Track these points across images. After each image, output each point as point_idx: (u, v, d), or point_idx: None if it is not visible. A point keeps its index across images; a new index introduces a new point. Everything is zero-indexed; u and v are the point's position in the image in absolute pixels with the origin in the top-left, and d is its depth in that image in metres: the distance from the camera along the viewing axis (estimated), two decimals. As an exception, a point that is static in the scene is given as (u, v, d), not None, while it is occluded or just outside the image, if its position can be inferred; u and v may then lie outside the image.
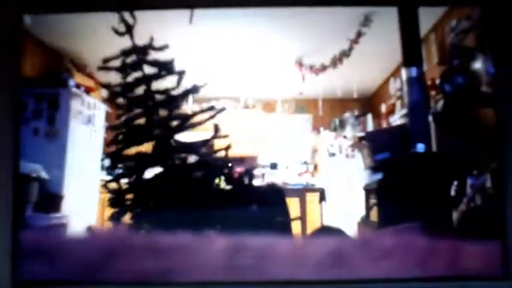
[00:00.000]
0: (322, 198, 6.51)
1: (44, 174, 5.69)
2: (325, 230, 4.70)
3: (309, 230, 5.83)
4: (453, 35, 4.90)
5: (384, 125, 8.56)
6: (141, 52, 4.68)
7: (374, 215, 5.07)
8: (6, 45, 2.19)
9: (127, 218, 4.32)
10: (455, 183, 3.71)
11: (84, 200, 7.10)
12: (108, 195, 5.31)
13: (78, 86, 7.32)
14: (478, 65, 3.93)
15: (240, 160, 10.44)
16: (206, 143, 4.76)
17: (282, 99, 9.91)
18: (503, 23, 2.23)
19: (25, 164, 5.35)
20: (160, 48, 4.62)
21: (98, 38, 7.01)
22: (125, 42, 7.07)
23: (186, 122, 4.79)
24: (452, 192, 3.71)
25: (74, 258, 1.89)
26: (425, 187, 3.76)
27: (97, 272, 1.88)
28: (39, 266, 1.89)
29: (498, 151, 2.27)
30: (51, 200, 5.89)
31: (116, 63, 4.94)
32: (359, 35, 6.48)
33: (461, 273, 2.13)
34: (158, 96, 4.83)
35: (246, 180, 4.33)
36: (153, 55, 5.06)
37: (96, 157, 7.80)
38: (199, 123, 5.04)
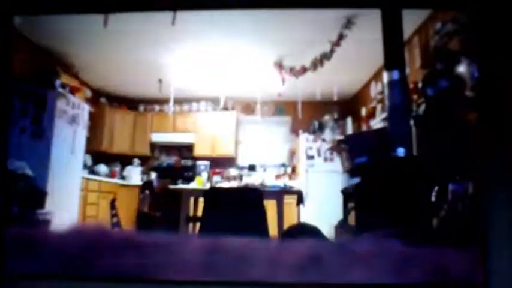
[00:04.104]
0: (300, 201, 6.44)
1: (29, 171, 5.71)
2: (301, 227, 4.63)
3: (286, 231, 5.77)
4: (437, 37, 4.85)
5: (364, 128, 8.53)
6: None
7: (352, 219, 5.01)
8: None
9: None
10: (436, 189, 3.65)
11: (66, 197, 7.19)
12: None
13: (63, 86, 7.38)
14: (462, 68, 3.88)
15: (219, 161, 10.43)
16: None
17: (261, 101, 9.85)
18: (489, 28, 2.17)
19: (11, 161, 5.37)
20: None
21: (84, 39, 6.99)
22: (113, 43, 7.08)
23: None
24: (433, 198, 3.66)
25: (57, 254, 1.85)
26: (404, 192, 3.70)
27: (79, 267, 1.85)
28: (24, 261, 1.86)
29: (480, 156, 2.21)
30: (36, 196, 5.92)
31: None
32: (341, 37, 6.43)
33: (440, 281, 2.06)
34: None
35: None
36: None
37: (79, 156, 7.86)
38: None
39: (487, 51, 2.07)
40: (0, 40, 2.09)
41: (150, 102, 10.77)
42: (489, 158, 2.05)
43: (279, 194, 6.07)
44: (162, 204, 7.94)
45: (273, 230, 5.23)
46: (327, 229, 5.90)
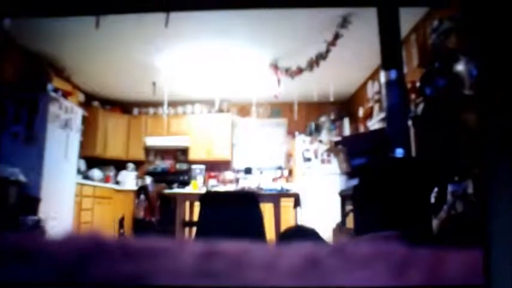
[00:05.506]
0: (297, 203, 6.38)
1: (22, 178, 5.72)
2: (298, 230, 4.57)
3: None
4: (435, 36, 4.80)
5: (361, 129, 8.47)
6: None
7: (350, 222, 4.95)
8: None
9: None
10: (436, 189, 3.59)
11: (60, 202, 7.14)
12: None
13: (56, 90, 7.30)
14: (460, 67, 3.81)
15: (214, 164, 10.36)
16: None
17: (256, 103, 9.78)
18: (486, 25, 2.09)
19: (3, 167, 5.30)
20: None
21: (76, 42, 6.90)
22: (106, 45, 7.01)
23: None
24: (432, 199, 3.60)
25: (51, 261, 1.76)
26: (404, 193, 3.63)
27: (73, 274, 1.76)
28: (16, 269, 1.76)
29: (480, 155, 2.13)
30: (29, 202, 5.87)
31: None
32: (336, 37, 6.36)
33: (441, 283, 1.97)
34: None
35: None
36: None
37: (73, 161, 7.80)
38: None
39: (483, 49, 2.00)
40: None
41: (144, 105, 10.66)
42: (492, 156, 1.98)
43: (276, 197, 6.02)
44: (157, 209, 7.88)
45: (270, 233, 5.17)
46: (325, 232, 5.84)
